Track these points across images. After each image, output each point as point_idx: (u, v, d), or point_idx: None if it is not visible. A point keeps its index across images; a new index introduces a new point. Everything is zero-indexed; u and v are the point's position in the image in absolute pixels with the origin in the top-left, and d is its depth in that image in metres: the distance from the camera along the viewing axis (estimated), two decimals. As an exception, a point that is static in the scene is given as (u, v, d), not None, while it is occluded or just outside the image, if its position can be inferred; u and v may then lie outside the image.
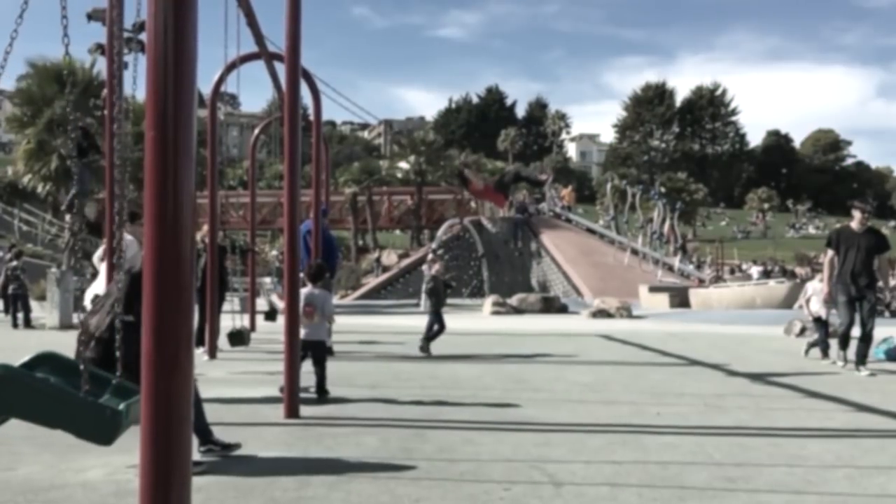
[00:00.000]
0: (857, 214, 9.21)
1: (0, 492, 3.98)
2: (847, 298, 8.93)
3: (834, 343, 10.01)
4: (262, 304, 15.27)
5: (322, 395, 6.92)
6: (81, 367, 3.40)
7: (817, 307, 10.28)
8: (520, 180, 12.41)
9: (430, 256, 28.20)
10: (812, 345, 10.45)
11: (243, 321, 11.27)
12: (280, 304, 8.50)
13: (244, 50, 9.76)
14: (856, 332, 9.04)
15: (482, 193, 12.03)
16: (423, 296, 26.85)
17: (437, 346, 10.73)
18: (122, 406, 3.40)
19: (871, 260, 9.00)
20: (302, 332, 6.74)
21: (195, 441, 4.52)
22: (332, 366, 9.38)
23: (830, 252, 9.25)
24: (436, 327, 10.86)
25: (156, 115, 2.63)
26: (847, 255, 8.98)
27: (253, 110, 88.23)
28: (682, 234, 41.47)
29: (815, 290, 10.31)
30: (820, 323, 10.37)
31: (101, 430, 3.36)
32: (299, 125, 6.57)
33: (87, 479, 4.21)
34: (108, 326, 3.97)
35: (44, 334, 13.93)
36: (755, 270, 31.34)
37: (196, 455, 4.36)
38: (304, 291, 7.02)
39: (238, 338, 10.62)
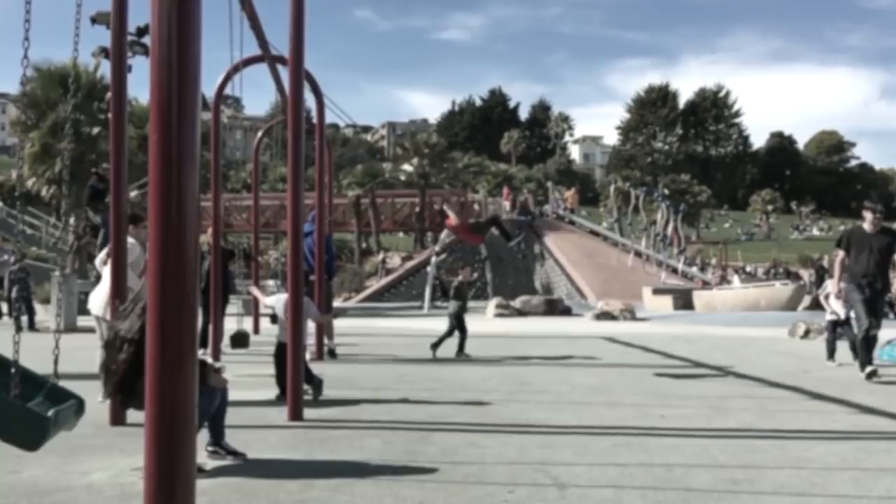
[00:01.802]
0: (868, 215, 8.84)
1: (5, 494, 3.98)
2: (862, 297, 8.56)
3: (843, 346, 9.93)
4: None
5: (311, 383, 6.85)
6: (13, 369, 3.29)
7: (837, 306, 9.91)
8: (494, 225, 12.61)
9: (434, 259, 28.28)
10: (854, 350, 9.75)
11: (242, 324, 11.31)
12: (260, 297, 8.54)
13: (247, 53, 9.80)
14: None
15: (458, 229, 12.18)
16: (427, 298, 26.97)
17: (441, 349, 10.73)
18: (50, 412, 3.30)
19: (885, 262, 8.65)
20: (282, 335, 6.82)
21: (205, 437, 4.54)
22: (335, 368, 9.40)
23: (841, 253, 8.92)
24: (458, 333, 10.87)
25: (160, 117, 2.63)
26: (859, 257, 8.63)
27: (256, 113, 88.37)
28: (686, 235, 41.44)
29: None
30: (834, 324, 10.08)
31: (26, 436, 3.23)
32: (303, 128, 6.58)
33: (92, 481, 4.22)
34: (140, 329, 4.01)
35: (48, 337, 13.94)
36: (737, 279, 31.15)
37: (202, 454, 4.37)
38: (284, 296, 7.06)
39: (239, 340, 10.65)
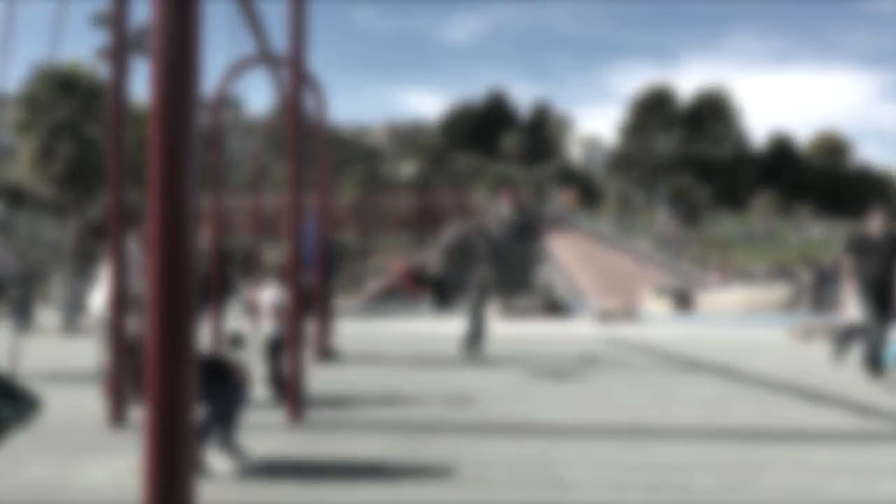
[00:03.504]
0: (875, 219, 8.71)
1: (3, 495, 3.98)
2: (871, 303, 8.48)
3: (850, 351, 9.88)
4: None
5: (280, 390, 6.85)
6: None
7: (854, 312, 9.56)
8: (431, 282, 12.91)
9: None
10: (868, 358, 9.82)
11: (238, 325, 11.34)
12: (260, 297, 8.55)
13: (248, 53, 9.78)
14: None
15: (402, 274, 12.50)
16: (428, 300, 26.96)
17: (441, 350, 10.75)
18: (3, 412, 3.21)
19: (893, 267, 8.53)
20: (274, 331, 6.83)
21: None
22: (336, 368, 9.40)
23: (849, 258, 8.81)
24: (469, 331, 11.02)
25: (160, 118, 2.63)
26: (867, 262, 8.54)
27: (257, 114, 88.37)
28: (686, 237, 41.48)
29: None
30: (850, 330, 9.89)
31: None
32: (303, 129, 6.57)
33: (91, 482, 4.21)
34: None
35: (46, 338, 13.95)
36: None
37: (208, 450, 4.36)
38: (277, 294, 7.11)
39: (235, 341, 10.66)
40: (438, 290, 12.25)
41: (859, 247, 8.73)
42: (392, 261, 12.20)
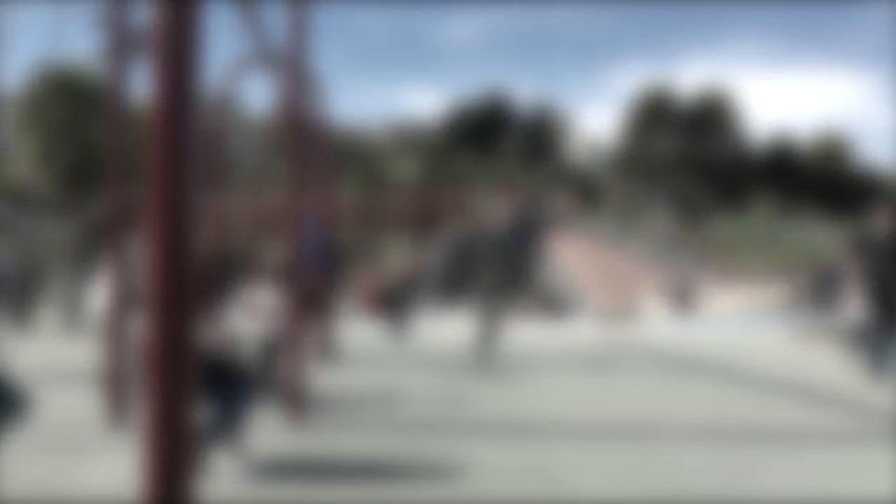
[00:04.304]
0: (880, 217, 8.70)
1: (3, 494, 3.98)
2: (875, 303, 8.47)
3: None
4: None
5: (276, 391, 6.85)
6: None
7: (859, 312, 9.81)
8: (399, 305, 12.98)
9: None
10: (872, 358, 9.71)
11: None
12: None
13: (248, 53, 9.79)
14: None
15: (370, 297, 12.57)
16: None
17: (442, 350, 10.75)
18: None
19: None
20: (270, 331, 6.85)
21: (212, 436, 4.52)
22: (335, 370, 9.40)
23: (853, 259, 8.84)
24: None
25: (160, 119, 2.63)
26: (871, 262, 8.53)
27: (258, 114, 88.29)
28: (686, 237, 41.51)
29: None
30: (856, 332, 9.80)
31: None
32: (303, 129, 6.57)
33: (90, 482, 4.22)
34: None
35: (48, 338, 13.95)
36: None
37: (212, 449, 4.36)
38: (273, 294, 7.12)
39: (234, 342, 10.67)
40: (399, 316, 12.21)
41: (864, 247, 8.71)
42: (361, 281, 12.09)
